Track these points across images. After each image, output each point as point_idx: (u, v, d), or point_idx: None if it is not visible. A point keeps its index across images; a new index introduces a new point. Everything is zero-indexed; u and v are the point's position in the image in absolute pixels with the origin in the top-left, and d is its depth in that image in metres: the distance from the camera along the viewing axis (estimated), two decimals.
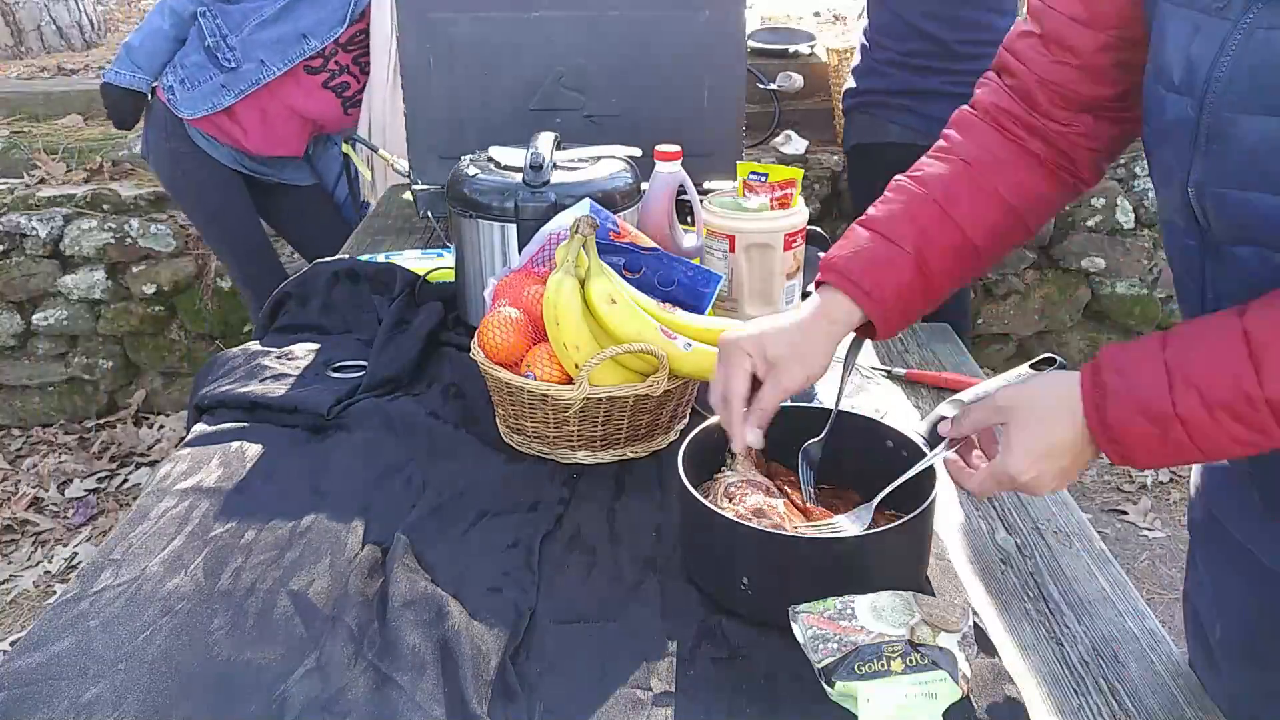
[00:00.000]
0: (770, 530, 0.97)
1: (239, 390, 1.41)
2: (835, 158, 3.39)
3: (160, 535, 1.13)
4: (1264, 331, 0.79)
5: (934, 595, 1.01)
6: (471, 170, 1.53)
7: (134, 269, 3.34)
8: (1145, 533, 2.87)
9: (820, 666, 0.86)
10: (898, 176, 1.09)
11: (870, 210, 1.07)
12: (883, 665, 0.84)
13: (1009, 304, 3.52)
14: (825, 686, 0.86)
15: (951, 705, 0.83)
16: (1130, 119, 1.01)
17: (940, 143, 1.09)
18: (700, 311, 1.34)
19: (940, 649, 0.85)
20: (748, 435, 1.02)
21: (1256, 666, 1.09)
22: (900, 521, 0.97)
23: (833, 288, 1.03)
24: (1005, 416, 0.90)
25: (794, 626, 0.89)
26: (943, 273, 1.04)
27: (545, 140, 1.49)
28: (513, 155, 1.54)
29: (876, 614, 0.88)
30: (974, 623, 0.99)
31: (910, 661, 0.84)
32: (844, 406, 1.11)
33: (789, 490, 1.10)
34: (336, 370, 1.49)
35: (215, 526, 1.15)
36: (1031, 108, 1.03)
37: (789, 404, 1.07)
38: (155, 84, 2.61)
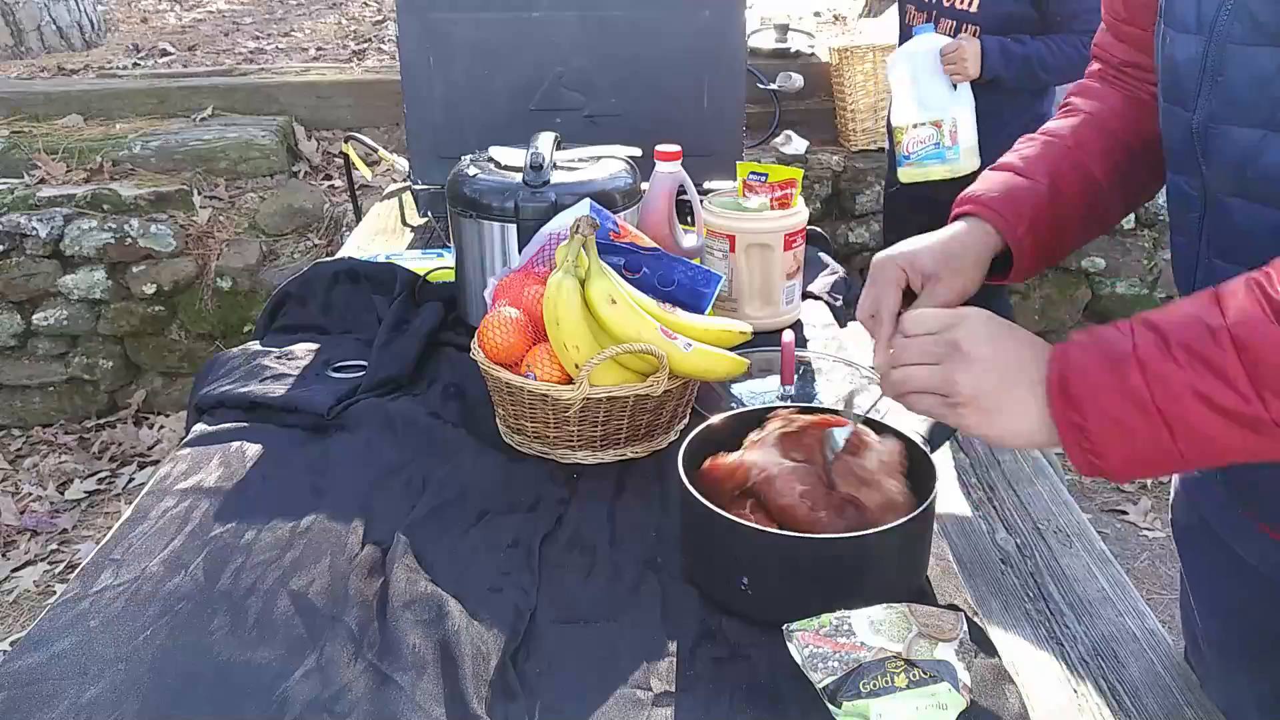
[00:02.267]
0: (770, 530, 0.97)
1: (239, 390, 1.41)
2: (835, 158, 3.40)
3: (160, 535, 1.13)
4: (1231, 284, 0.76)
5: (934, 595, 1.01)
6: (471, 170, 1.53)
7: (134, 269, 3.34)
8: (1145, 533, 2.88)
9: (822, 686, 0.85)
10: (1024, 140, 1.15)
11: (1003, 160, 1.12)
12: (887, 681, 0.83)
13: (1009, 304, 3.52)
14: (830, 706, 0.84)
15: (960, 713, 0.83)
16: None
17: (1064, 107, 1.17)
18: (700, 311, 1.34)
19: (940, 661, 0.84)
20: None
21: (1244, 671, 1.10)
22: (900, 521, 0.97)
23: (972, 217, 1.07)
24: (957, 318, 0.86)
25: (789, 646, 0.88)
26: (1073, 209, 1.07)
27: (545, 140, 1.49)
28: (513, 155, 1.54)
29: (874, 628, 0.86)
30: (972, 624, 0.99)
31: (913, 676, 0.83)
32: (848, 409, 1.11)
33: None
34: (336, 370, 1.49)
35: (215, 526, 1.15)
36: (1129, 80, 1.13)
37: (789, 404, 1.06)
38: None
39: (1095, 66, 1.19)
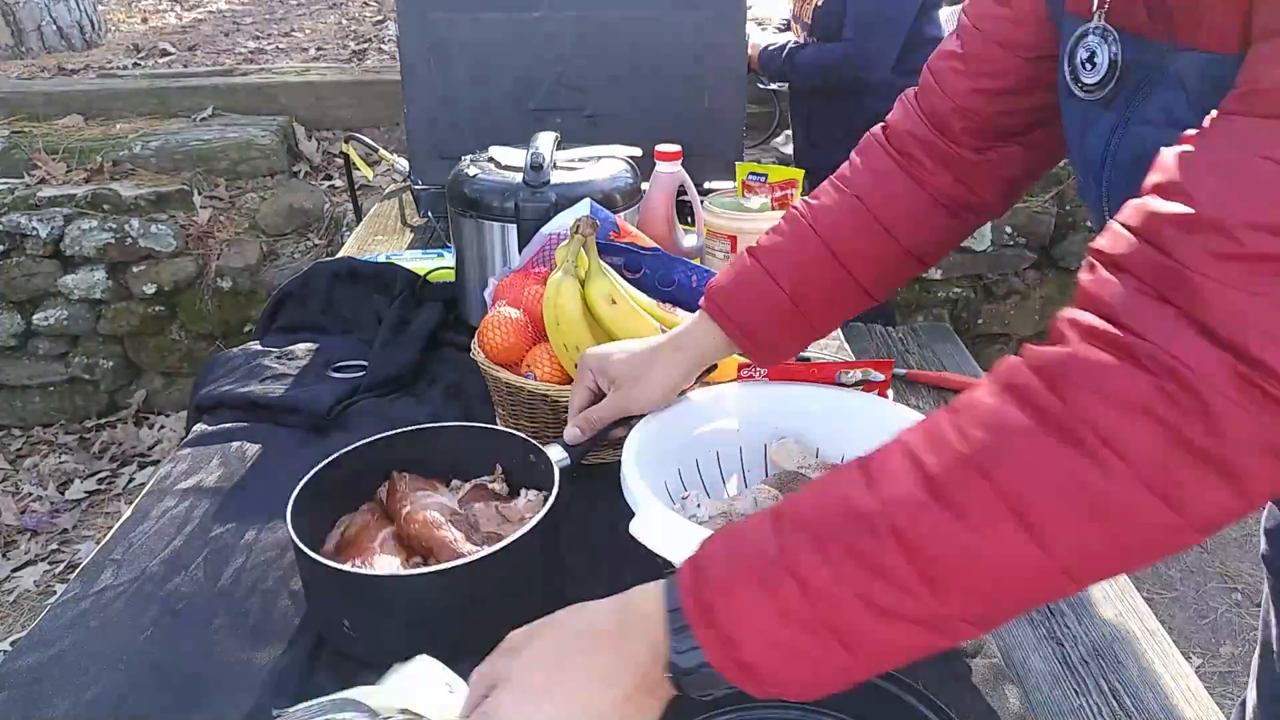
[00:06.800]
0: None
1: (239, 390, 1.41)
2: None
3: (160, 535, 1.13)
4: (878, 454, 0.64)
5: None
6: (471, 170, 1.53)
7: (134, 269, 3.34)
8: None
9: None
10: (794, 203, 1.08)
11: (762, 237, 1.06)
12: None
13: (1009, 304, 3.52)
14: None
15: None
16: (1044, 148, 0.98)
17: (843, 169, 1.06)
18: None
19: None
20: (566, 432, 1.09)
21: None
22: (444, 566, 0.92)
23: (708, 315, 1.06)
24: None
25: None
26: (823, 308, 1.04)
27: (545, 140, 1.49)
28: (513, 155, 1.54)
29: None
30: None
31: None
32: None
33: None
34: (336, 370, 1.49)
35: (215, 526, 1.15)
36: (945, 135, 0.99)
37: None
38: None
39: (905, 126, 1.02)
